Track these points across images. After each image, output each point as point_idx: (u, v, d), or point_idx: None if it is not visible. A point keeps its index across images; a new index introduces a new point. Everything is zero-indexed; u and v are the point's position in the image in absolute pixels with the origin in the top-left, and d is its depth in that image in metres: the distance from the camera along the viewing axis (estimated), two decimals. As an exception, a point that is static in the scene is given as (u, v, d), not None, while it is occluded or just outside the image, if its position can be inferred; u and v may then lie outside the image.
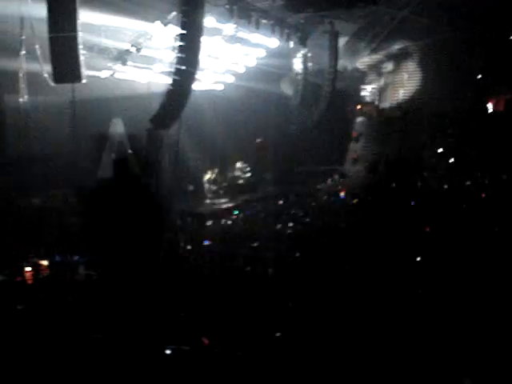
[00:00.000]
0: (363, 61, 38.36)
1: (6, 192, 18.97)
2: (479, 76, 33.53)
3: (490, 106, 32.38)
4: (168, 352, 6.93)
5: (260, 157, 31.07)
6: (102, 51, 22.17)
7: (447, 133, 31.46)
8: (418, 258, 11.58)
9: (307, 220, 18.50)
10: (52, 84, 17.41)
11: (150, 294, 10.12)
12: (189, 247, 15.02)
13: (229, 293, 9.82)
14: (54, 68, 16.45)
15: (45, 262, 13.64)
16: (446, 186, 22.78)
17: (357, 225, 16.52)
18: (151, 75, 24.56)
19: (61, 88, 18.73)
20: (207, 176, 27.01)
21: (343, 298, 9.46)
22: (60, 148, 21.66)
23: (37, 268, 13.38)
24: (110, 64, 22.78)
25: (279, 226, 17.58)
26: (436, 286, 9.81)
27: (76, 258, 14.15)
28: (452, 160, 28.52)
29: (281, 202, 24.36)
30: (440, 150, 29.88)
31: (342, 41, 34.46)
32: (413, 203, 18.96)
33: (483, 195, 19.65)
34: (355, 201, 22.07)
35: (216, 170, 27.30)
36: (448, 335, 7.40)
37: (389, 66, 37.86)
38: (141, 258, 14.45)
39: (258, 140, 31.22)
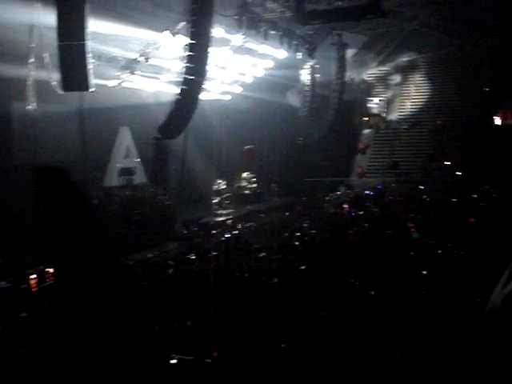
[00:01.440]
0: (371, 73, 38.45)
1: (10, 200, 18.98)
2: (487, 89, 33.53)
3: (497, 120, 32.35)
4: (173, 362, 6.89)
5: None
6: (111, 60, 22.29)
7: (454, 145, 31.41)
8: (424, 272, 11.52)
9: (313, 232, 18.43)
10: (60, 92, 17.50)
11: (153, 302, 10.09)
12: (193, 256, 14.98)
13: (234, 303, 9.78)
14: (63, 76, 16.52)
15: (49, 270, 13.60)
16: (453, 199, 22.70)
17: (363, 237, 16.46)
18: (159, 85, 24.65)
19: (69, 96, 18.83)
20: (213, 186, 26.98)
21: (347, 308, 9.42)
22: (67, 156, 21.73)
23: (39, 275, 13.35)
24: (118, 73, 22.90)
25: (284, 237, 17.52)
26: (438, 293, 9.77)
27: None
28: (459, 173, 28.45)
29: (286, 213, 24.30)
30: (447, 163, 29.83)
31: (349, 53, 34.51)
32: (420, 216, 18.89)
33: (489, 208, 19.58)
34: (361, 213, 22.00)
35: (222, 180, 27.29)
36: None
37: (396, 79, 37.91)
38: (142, 266, 14.44)
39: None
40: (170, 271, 12.85)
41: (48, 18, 16.37)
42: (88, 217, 6.14)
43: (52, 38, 16.18)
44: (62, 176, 6.01)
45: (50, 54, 17.17)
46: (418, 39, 35.60)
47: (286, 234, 18.21)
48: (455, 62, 35.36)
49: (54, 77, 17.47)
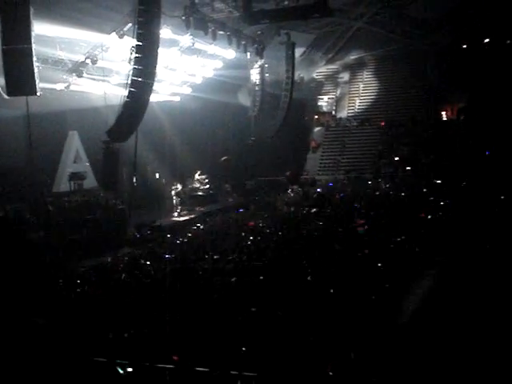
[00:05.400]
0: (320, 71, 38.80)
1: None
2: (433, 84, 34.20)
3: (443, 114, 33.07)
4: (129, 370, 6.82)
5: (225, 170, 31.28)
6: (57, 63, 21.90)
7: (403, 141, 31.93)
8: (379, 264, 11.68)
9: (267, 230, 18.47)
10: (5, 97, 17.08)
11: (106, 309, 9.97)
12: (148, 262, 14.81)
13: (190, 306, 9.72)
14: (8, 80, 16.16)
15: None
16: (402, 193, 23.07)
17: (317, 233, 16.59)
18: (107, 87, 24.33)
19: (15, 101, 18.41)
20: (165, 188, 26.73)
21: (309, 306, 9.47)
22: (15, 161, 21.28)
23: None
24: (65, 76, 22.51)
25: (240, 237, 17.50)
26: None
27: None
28: (408, 168, 28.93)
29: (241, 213, 24.32)
30: (396, 159, 30.29)
31: (298, 51, 34.77)
32: (372, 212, 19.13)
33: (439, 201, 19.96)
34: (314, 210, 22.15)
35: (175, 182, 27.06)
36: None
37: (345, 76, 38.38)
38: (98, 272, 14.24)
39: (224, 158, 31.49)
40: (124, 276, 12.69)
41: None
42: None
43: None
44: None
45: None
46: (364, 37, 36.13)
47: (240, 234, 18.20)
48: (401, 59, 35.99)
49: (-1, 81, 17.06)
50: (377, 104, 36.23)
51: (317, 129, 36.35)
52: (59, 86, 22.49)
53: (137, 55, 18.25)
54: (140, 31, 18.15)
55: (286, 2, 25.59)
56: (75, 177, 23.56)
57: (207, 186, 28.82)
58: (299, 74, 36.15)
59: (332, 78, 38.76)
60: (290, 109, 33.37)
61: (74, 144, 24.95)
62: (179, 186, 26.01)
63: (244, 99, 33.92)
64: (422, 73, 34.80)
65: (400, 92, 35.64)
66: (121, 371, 6.63)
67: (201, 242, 17.66)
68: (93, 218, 20.75)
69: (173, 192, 25.74)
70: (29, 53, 16.05)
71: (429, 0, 31.99)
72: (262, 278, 11.64)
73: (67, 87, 22.96)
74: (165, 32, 21.78)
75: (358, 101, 37.21)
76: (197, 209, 26.58)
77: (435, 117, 32.94)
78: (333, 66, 38.63)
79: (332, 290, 10.07)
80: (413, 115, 33.24)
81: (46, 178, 22.81)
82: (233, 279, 11.38)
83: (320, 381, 6.69)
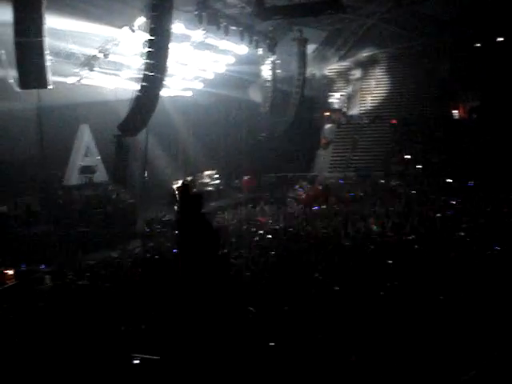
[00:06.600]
0: (332, 68, 38.64)
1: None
2: (445, 83, 34.02)
3: (455, 113, 32.88)
4: (136, 362, 6.83)
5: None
6: (69, 57, 21.92)
7: (414, 139, 31.80)
8: (390, 261, 11.64)
9: (276, 227, 18.47)
10: (17, 89, 17.15)
11: (115, 303, 10.00)
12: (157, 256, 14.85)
13: (197, 301, 9.73)
14: (20, 74, 16.19)
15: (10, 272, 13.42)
16: (413, 192, 23.02)
17: (325, 231, 16.57)
18: (119, 81, 24.37)
19: (27, 94, 18.48)
20: (175, 182, 26.73)
21: (311, 303, 9.46)
22: (26, 154, 21.36)
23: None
24: (76, 70, 22.54)
25: (249, 233, 17.50)
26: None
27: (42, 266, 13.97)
28: (418, 166, 28.81)
29: (250, 209, 24.33)
30: (407, 157, 30.16)
31: (310, 48, 34.66)
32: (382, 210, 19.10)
33: (449, 201, 19.90)
34: (324, 207, 22.14)
35: (185, 177, 27.07)
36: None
37: (357, 73, 38.19)
38: (107, 265, 14.29)
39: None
40: (132, 270, 12.73)
41: (4, 13, 16.01)
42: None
43: (8, 34, 15.84)
44: None
45: (7, 51, 16.79)
46: (377, 34, 35.94)
47: (249, 229, 18.20)
48: (414, 57, 35.77)
49: (11, 74, 17.11)
50: (388, 102, 36.08)
51: (328, 126, 36.25)
52: (71, 80, 22.51)
53: (149, 49, 18.31)
54: (152, 26, 18.20)
55: (299, -2, 25.51)
56: (86, 170, 23.67)
57: (217, 181, 28.85)
58: (311, 70, 36.01)
59: (344, 74, 38.59)
60: (301, 105, 33.29)
61: (85, 138, 25.02)
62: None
63: (255, 95, 33.86)
64: (434, 71, 34.57)
65: (412, 90, 35.44)
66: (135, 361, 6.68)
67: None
68: (103, 211, 20.84)
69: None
70: (41, 46, 16.07)
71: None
72: (269, 274, 11.66)
73: (79, 81, 22.99)
74: (177, 27, 21.77)
75: (370, 98, 37.07)
76: (207, 204, 26.58)
77: (447, 115, 32.74)
78: (345, 63, 38.46)
79: (339, 287, 10.05)
80: (424, 113, 33.10)
81: (57, 171, 22.90)
82: (247, 273, 11.43)
83: (324, 378, 6.68)
